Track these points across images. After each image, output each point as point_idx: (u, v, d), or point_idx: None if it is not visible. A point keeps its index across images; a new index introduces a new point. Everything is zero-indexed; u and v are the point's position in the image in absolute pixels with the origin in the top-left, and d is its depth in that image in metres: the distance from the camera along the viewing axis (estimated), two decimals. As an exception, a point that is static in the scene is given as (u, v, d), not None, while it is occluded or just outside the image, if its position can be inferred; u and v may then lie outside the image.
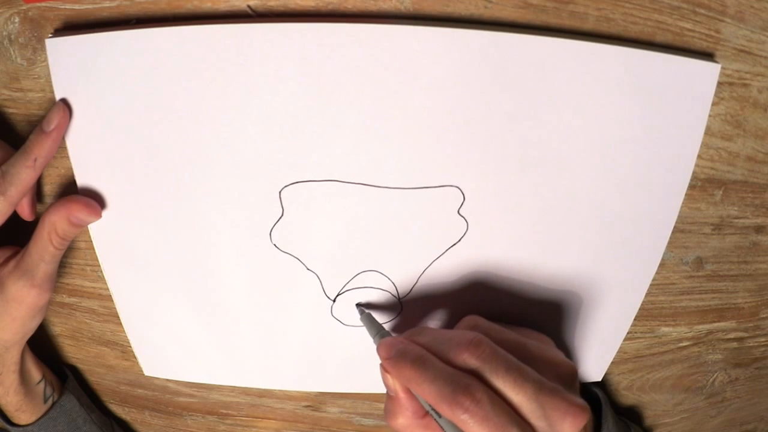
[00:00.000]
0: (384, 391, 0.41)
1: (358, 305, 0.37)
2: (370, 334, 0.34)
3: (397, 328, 0.39)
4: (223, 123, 0.31)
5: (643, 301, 0.40)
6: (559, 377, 0.30)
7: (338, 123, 0.31)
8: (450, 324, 0.39)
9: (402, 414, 0.30)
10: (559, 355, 0.32)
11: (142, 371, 0.42)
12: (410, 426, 0.30)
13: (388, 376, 0.29)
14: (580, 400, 0.28)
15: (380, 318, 0.38)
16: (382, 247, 0.36)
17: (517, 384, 0.27)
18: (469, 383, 0.27)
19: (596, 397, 0.42)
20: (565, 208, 0.35)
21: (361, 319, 0.36)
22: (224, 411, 0.47)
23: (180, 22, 0.30)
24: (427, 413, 0.29)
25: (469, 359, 0.28)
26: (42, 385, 0.40)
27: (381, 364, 0.30)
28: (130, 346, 0.41)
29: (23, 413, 0.39)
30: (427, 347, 0.29)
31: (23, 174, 0.31)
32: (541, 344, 0.32)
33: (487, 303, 0.38)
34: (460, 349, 0.28)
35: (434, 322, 0.39)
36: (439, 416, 0.28)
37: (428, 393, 0.27)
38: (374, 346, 0.39)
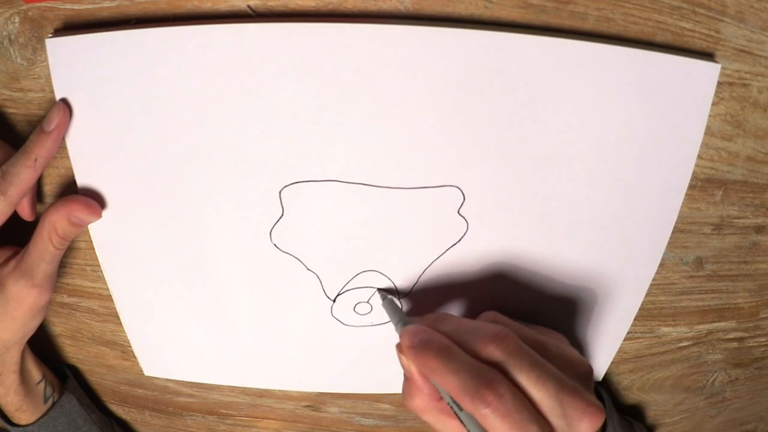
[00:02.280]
0: (388, 391, 0.41)
1: (380, 290, 0.37)
2: (392, 321, 0.34)
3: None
4: (223, 123, 0.31)
5: (643, 301, 0.40)
6: (578, 376, 0.30)
7: (338, 123, 0.31)
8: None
9: (418, 396, 0.30)
10: (576, 354, 0.32)
11: (142, 371, 0.42)
12: (426, 408, 0.30)
13: (403, 357, 0.29)
14: (597, 401, 0.28)
15: (381, 318, 0.38)
16: (382, 247, 0.36)
17: (540, 380, 0.27)
18: (493, 377, 0.26)
19: (599, 396, 0.42)
20: (565, 209, 0.35)
21: (383, 304, 0.35)
22: (224, 411, 0.47)
23: (180, 22, 0.30)
24: (441, 396, 0.29)
25: (494, 352, 0.28)
26: (42, 385, 0.40)
27: (397, 345, 0.30)
28: (130, 346, 0.41)
29: (23, 413, 0.39)
30: (451, 336, 0.29)
31: (23, 174, 0.31)
32: (558, 342, 0.32)
33: (487, 303, 0.38)
34: (486, 341, 0.28)
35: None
36: (460, 409, 0.27)
37: (451, 385, 0.27)
38: (376, 346, 0.40)
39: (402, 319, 0.33)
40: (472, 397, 0.26)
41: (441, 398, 0.29)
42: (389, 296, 0.35)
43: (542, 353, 0.29)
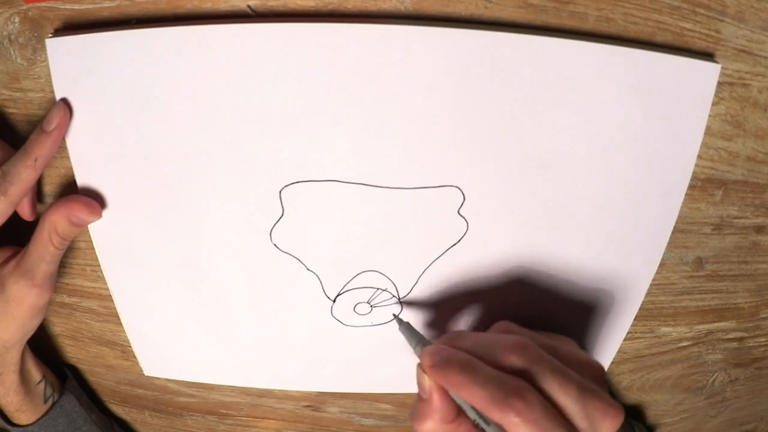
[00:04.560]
0: (388, 391, 0.41)
1: (396, 315, 0.38)
2: (410, 344, 0.34)
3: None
4: (223, 123, 0.31)
5: (643, 301, 0.40)
6: (593, 377, 0.30)
7: (338, 123, 0.31)
8: (451, 324, 0.39)
9: (431, 417, 0.29)
10: (588, 356, 0.32)
11: (142, 371, 0.42)
12: (437, 430, 0.30)
13: (426, 377, 0.29)
14: (615, 401, 0.28)
15: (381, 318, 0.38)
16: (382, 247, 0.36)
17: (563, 386, 0.27)
18: (520, 386, 0.27)
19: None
20: (565, 209, 0.35)
21: (400, 329, 0.35)
22: (224, 411, 0.47)
23: (180, 22, 0.30)
24: (454, 418, 0.29)
25: (516, 361, 0.28)
26: (42, 385, 0.40)
27: (419, 366, 0.30)
28: (130, 346, 0.41)
29: (23, 413, 0.39)
30: (470, 351, 0.29)
31: (24, 174, 0.31)
32: (570, 347, 0.32)
33: (487, 303, 0.38)
34: (507, 351, 0.28)
35: (435, 322, 0.39)
36: (487, 423, 0.27)
37: (479, 397, 0.27)
38: (376, 346, 0.40)
39: (421, 341, 0.33)
40: (501, 406, 0.26)
41: (452, 420, 0.29)
42: (405, 320, 0.36)
43: (558, 358, 0.29)
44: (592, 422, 0.27)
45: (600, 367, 0.31)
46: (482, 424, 0.28)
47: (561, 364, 0.28)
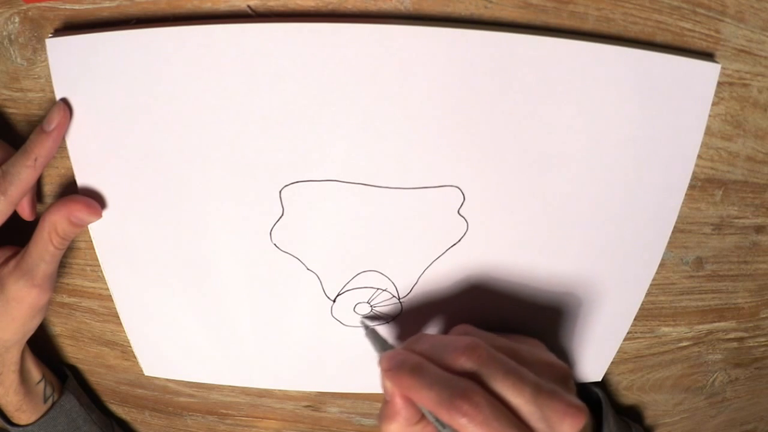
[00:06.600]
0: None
1: (363, 321, 0.38)
2: (375, 349, 0.34)
3: (397, 329, 0.39)
4: (223, 123, 0.31)
5: (643, 301, 0.40)
6: (555, 379, 0.30)
7: (338, 123, 0.31)
8: (450, 324, 0.39)
9: (395, 420, 0.30)
10: (551, 357, 0.32)
11: (142, 371, 0.42)
12: None
13: (386, 381, 0.29)
14: (578, 401, 0.28)
15: (381, 318, 0.38)
16: (382, 247, 0.36)
17: (516, 386, 0.27)
18: (466, 387, 0.26)
19: (596, 397, 0.42)
20: (565, 209, 0.35)
21: (366, 334, 0.36)
22: (224, 411, 0.47)
23: (180, 22, 0.30)
24: (419, 420, 0.29)
25: (466, 363, 0.28)
26: (42, 385, 0.40)
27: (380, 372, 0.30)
28: (130, 346, 0.41)
29: (23, 413, 0.39)
30: (424, 355, 0.29)
31: (23, 173, 0.31)
32: (532, 348, 0.32)
33: (488, 303, 0.38)
34: (457, 353, 0.28)
35: (434, 322, 0.39)
36: (443, 426, 0.27)
37: (427, 399, 0.27)
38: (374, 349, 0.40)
39: (383, 346, 0.34)
40: (448, 408, 0.26)
41: (416, 422, 0.29)
42: (371, 326, 0.36)
43: (517, 360, 0.29)
44: (550, 423, 0.27)
45: (563, 368, 0.31)
46: (438, 427, 0.28)
47: (516, 365, 0.28)
